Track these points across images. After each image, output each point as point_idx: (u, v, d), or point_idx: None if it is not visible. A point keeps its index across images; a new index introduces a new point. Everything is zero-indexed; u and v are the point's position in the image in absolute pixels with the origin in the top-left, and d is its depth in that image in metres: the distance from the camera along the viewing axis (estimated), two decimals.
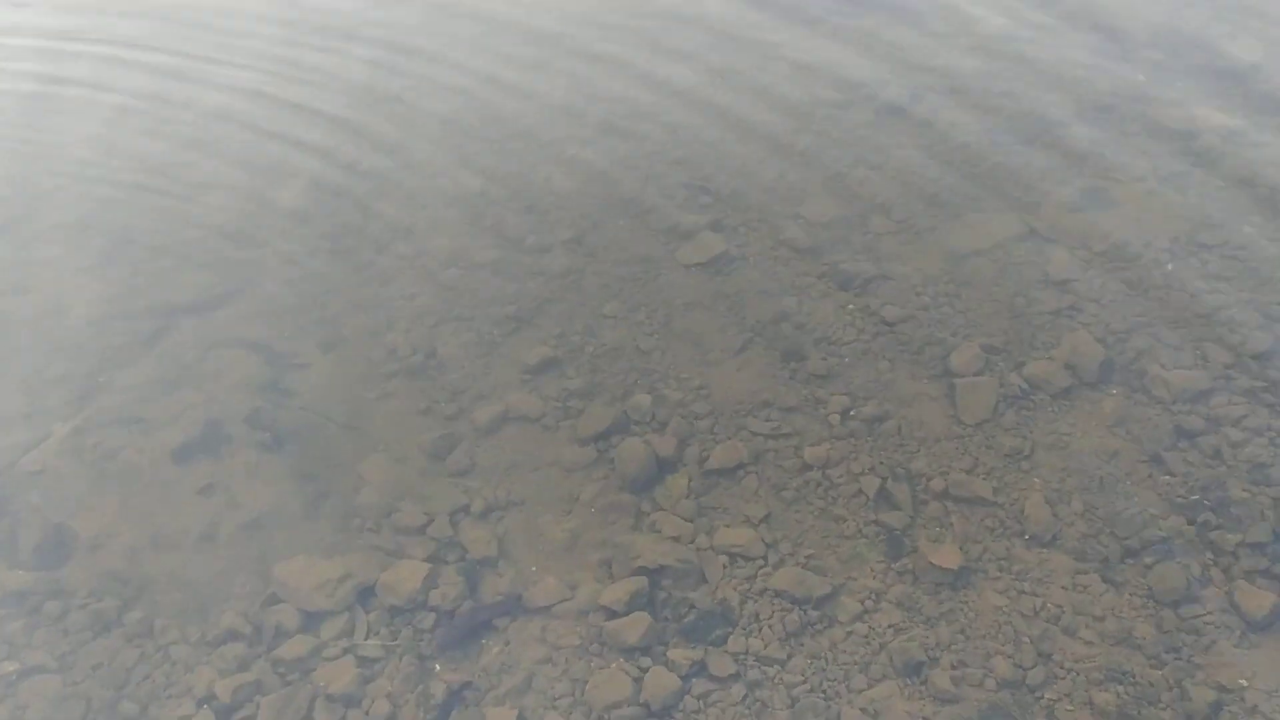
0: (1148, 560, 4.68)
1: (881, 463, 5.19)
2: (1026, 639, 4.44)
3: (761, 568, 4.77)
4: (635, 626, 4.50)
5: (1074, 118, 7.38)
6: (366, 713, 4.35)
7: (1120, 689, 4.26)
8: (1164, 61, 7.88)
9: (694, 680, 4.41)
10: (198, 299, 6.28)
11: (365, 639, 4.57)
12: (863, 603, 4.62)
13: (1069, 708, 4.21)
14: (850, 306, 6.08)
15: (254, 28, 9.14)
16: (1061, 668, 4.36)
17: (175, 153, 7.58)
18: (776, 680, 4.40)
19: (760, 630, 4.56)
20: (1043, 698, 4.26)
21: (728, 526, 4.97)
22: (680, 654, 4.45)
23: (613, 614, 4.58)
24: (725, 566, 4.80)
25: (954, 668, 4.38)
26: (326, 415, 5.55)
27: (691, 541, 4.91)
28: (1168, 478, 5.00)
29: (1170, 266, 6.08)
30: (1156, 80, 7.67)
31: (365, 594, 4.73)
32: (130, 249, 6.68)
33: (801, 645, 4.50)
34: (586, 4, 9.21)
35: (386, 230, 6.82)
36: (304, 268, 6.53)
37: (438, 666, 4.52)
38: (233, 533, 4.95)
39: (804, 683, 4.38)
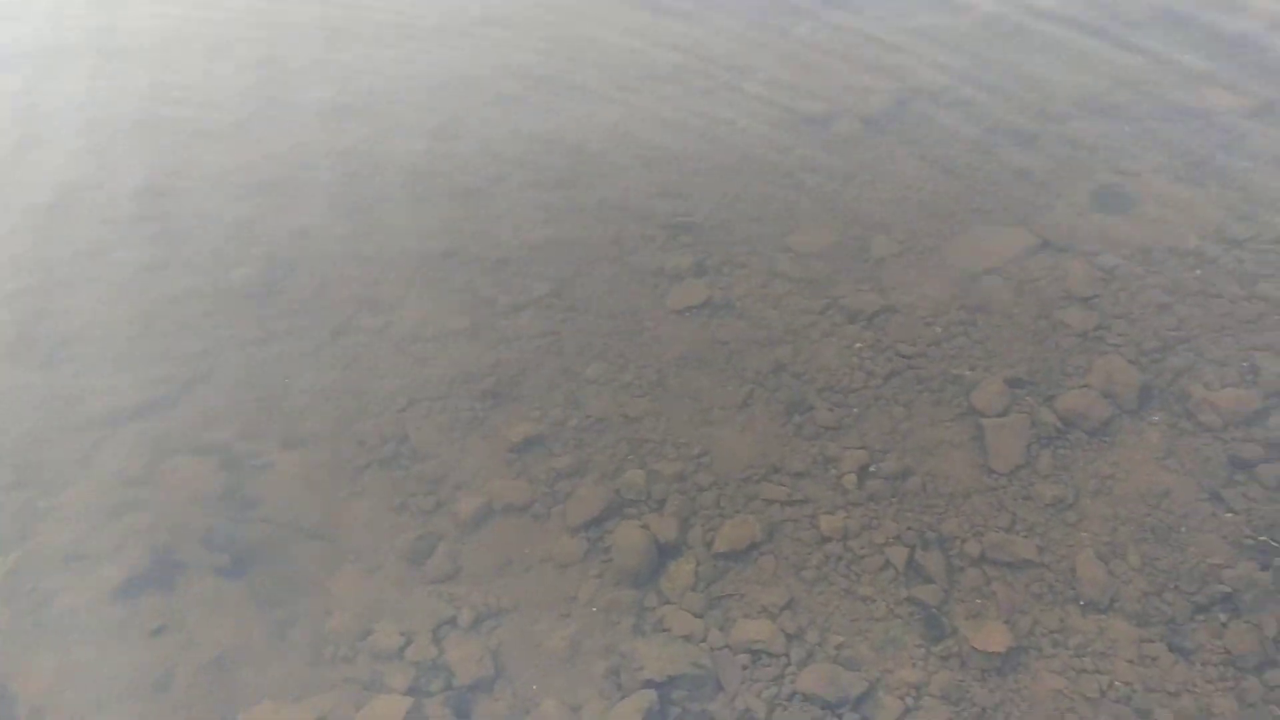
0: (1221, 618, 4.13)
1: (908, 528, 4.64)
2: None
3: (786, 666, 4.22)
4: None
5: (1076, 108, 6.85)
6: None
7: None
8: (1165, 37, 7.34)
9: None
10: (144, 400, 5.74)
11: None
12: (903, 700, 4.06)
13: None
14: (856, 346, 5.54)
15: (191, 78, 8.65)
16: None
17: (112, 233, 7.04)
18: None
19: None
20: None
21: (745, 618, 4.42)
22: None
23: None
24: (745, 668, 4.25)
25: None
26: (292, 525, 5.01)
27: (704, 640, 4.37)
28: (1230, 516, 4.45)
29: (1199, 271, 5.53)
30: (1160, 59, 7.13)
31: None
32: (68, 347, 6.13)
33: None
34: (534, 33, 8.71)
35: (349, 303, 6.29)
36: (260, 354, 6.00)
37: None
38: (191, 679, 4.40)
39: None
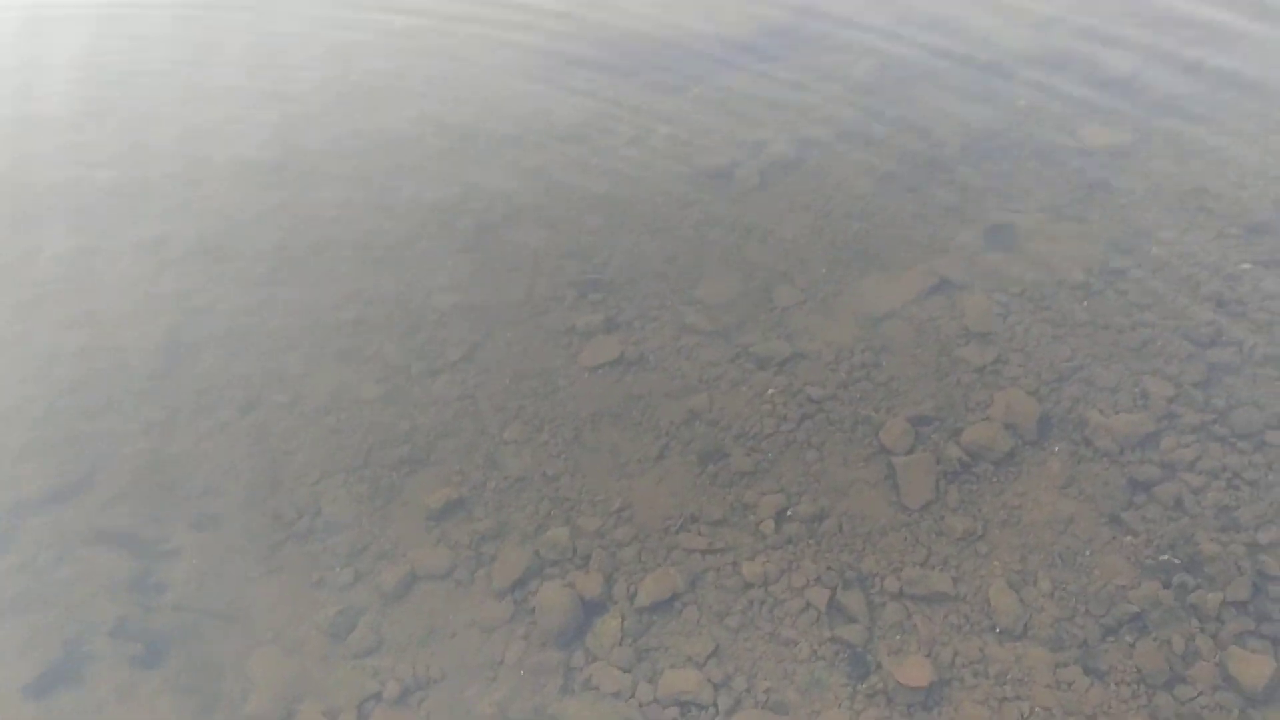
0: (1129, 638, 4.27)
1: (828, 568, 4.72)
2: None
3: (715, 716, 4.24)
4: None
5: (962, 152, 7.13)
6: None
7: None
8: (1043, 82, 7.70)
9: None
10: (48, 489, 5.58)
11: None
12: None
13: None
14: (768, 392, 5.64)
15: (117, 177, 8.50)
16: None
17: (6, 314, 6.86)
18: None
19: None
20: None
21: (672, 669, 4.44)
22: None
23: None
24: None
25: None
26: (204, 609, 4.89)
27: (632, 695, 4.37)
28: (1131, 538, 4.62)
29: (1087, 303, 5.77)
30: (1037, 102, 7.47)
31: None
32: None
33: None
34: (433, 98, 8.79)
35: (257, 377, 6.21)
36: (166, 435, 5.87)
37: None
38: None
39: None
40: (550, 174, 7.65)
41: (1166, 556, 4.50)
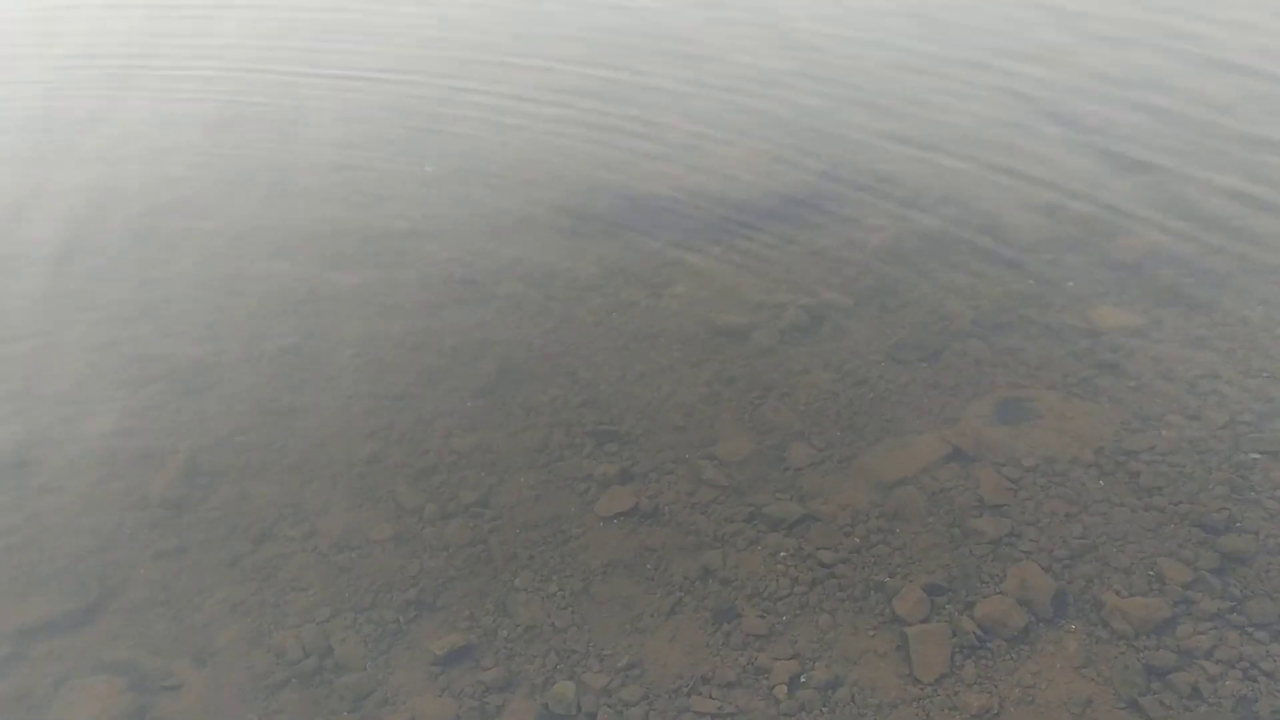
0: None
1: None
2: None
3: None
4: None
5: (975, 326, 7.31)
6: None
7: None
8: (1053, 261, 7.96)
9: None
10: (53, 617, 5.53)
11: None
12: None
13: None
14: (781, 553, 5.65)
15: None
16: None
17: (19, 450, 6.91)
18: None
19: None
20: None
21: None
22: None
23: None
24: None
25: None
26: None
27: None
28: None
29: (1101, 482, 5.84)
30: (1048, 281, 7.71)
31: None
32: None
33: None
34: (451, 253, 9.06)
35: (270, 511, 6.22)
36: (176, 565, 5.85)
37: None
38: None
39: None
40: (570, 325, 7.82)
41: None
